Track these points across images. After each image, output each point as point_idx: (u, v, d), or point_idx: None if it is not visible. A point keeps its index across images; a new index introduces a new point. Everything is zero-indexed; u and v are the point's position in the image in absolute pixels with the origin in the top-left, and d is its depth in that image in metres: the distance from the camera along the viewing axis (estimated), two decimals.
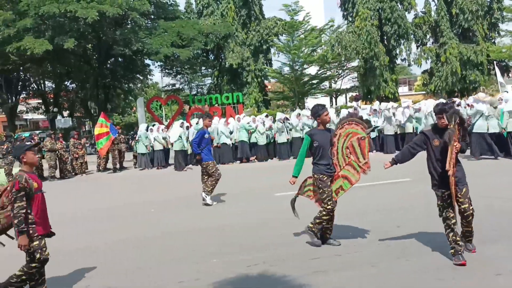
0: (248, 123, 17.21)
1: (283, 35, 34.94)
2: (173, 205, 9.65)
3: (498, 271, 4.66)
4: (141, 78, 38.08)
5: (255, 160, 17.00)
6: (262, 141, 16.94)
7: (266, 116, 18.69)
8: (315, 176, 5.86)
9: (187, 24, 30.35)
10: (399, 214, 7.27)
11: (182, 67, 36.84)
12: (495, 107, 12.55)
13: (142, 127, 18.07)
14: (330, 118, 6.15)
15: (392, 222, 6.80)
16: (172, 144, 16.93)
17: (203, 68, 39.29)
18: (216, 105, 28.16)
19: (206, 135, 9.17)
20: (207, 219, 8.05)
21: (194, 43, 30.18)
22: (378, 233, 6.22)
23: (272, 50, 37.14)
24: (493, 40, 34.18)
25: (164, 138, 17.27)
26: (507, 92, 16.85)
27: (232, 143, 17.20)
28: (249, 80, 34.93)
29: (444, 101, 14.10)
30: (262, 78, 37.15)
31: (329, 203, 5.71)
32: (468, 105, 14.50)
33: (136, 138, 17.88)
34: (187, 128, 17.18)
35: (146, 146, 17.13)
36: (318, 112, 5.87)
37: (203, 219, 8.12)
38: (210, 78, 40.15)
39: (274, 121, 17.66)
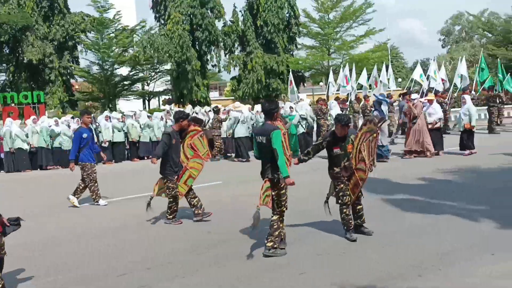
0: (50, 126, 15.58)
1: (92, 32, 32.82)
2: None
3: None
4: None
5: (59, 167, 15.39)
6: (67, 145, 15.43)
7: (72, 117, 17.25)
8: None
9: None
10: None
11: None
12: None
13: None
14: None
15: (204, 227, 6.81)
16: None
17: None
18: (13, 104, 24.85)
19: (85, 135, 8.64)
20: None
21: None
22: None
23: (79, 47, 34.61)
24: (291, 52, 37.88)
25: None
26: (302, 100, 18.78)
27: (29, 149, 15.28)
28: (53, 78, 31.90)
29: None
30: (68, 76, 34.37)
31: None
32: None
33: None
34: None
35: None
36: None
37: None
38: (4, 74, 35.42)
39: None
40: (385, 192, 8.62)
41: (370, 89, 21.86)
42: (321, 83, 47.25)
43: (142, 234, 6.87)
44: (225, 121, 15.20)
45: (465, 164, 11.41)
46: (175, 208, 7.28)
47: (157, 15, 36.37)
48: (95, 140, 15.65)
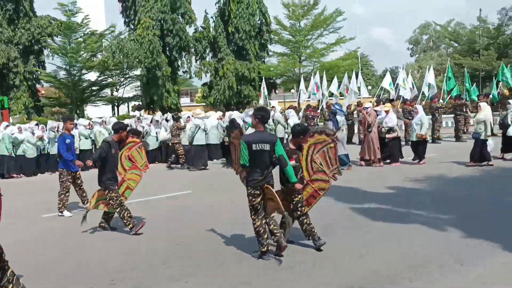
0: (13, 133, 15.02)
1: (59, 36, 32.02)
2: None
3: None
4: None
5: (22, 175, 14.90)
6: (31, 153, 14.94)
7: (36, 124, 16.70)
8: None
9: None
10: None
11: None
12: None
13: None
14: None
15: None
16: None
17: None
18: None
19: (68, 140, 8.62)
20: None
21: None
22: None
23: (46, 52, 33.70)
24: (263, 59, 37.94)
25: None
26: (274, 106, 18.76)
27: None
28: (17, 83, 30.92)
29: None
30: (34, 81, 33.39)
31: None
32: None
33: None
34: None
35: None
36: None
37: None
38: None
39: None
40: (354, 201, 8.61)
41: (341, 96, 22.03)
42: (292, 90, 47.51)
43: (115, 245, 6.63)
44: (184, 128, 14.95)
45: (432, 173, 11.56)
46: (129, 214, 7.06)
47: (126, 20, 35.84)
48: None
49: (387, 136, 12.98)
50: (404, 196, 9.20)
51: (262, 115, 5.71)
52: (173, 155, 14.97)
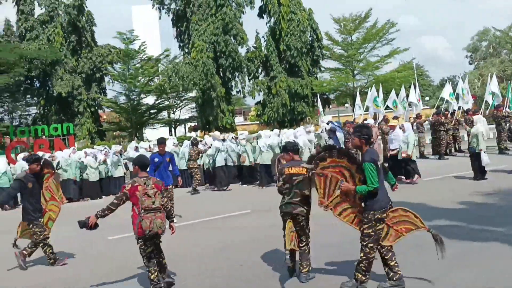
0: (80, 158, 15.68)
1: (118, 63, 33.56)
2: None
3: None
4: None
5: (87, 199, 15.46)
6: (94, 177, 15.48)
7: (104, 149, 17.32)
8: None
9: (5, 47, 27.12)
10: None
11: (0, 95, 32.73)
12: (251, 143, 15.10)
13: None
14: None
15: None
16: None
17: (27, 96, 35.54)
18: (44, 137, 25.41)
19: (156, 159, 9.59)
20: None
21: (15, 68, 27.07)
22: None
23: (106, 79, 35.36)
24: (315, 75, 37.75)
25: None
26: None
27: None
28: (81, 110, 32.58)
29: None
30: (96, 107, 35.05)
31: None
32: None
33: None
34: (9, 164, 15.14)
35: None
36: None
37: None
38: (35, 107, 36.43)
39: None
40: (423, 218, 8.20)
41: (409, 107, 21.42)
42: (346, 105, 46.94)
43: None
44: (203, 152, 15.18)
45: (502, 186, 10.86)
46: (50, 250, 7.21)
47: (181, 44, 36.97)
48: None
49: (402, 155, 12.53)
50: (475, 211, 8.68)
51: (367, 133, 5.09)
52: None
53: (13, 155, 20.39)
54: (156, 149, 16.48)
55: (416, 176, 12.59)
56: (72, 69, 32.78)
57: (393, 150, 12.76)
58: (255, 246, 7.30)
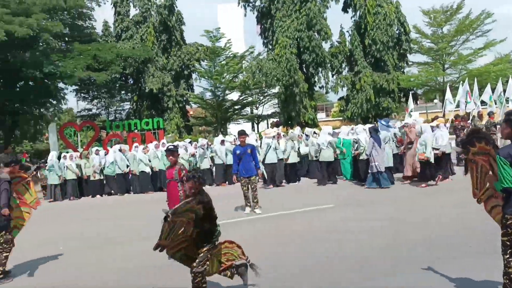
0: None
1: (205, 60, 34.84)
2: (89, 243, 8.78)
3: None
4: (54, 102, 35.85)
5: None
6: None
7: (190, 142, 18.15)
8: None
9: (104, 47, 29.17)
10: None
11: (98, 91, 35.30)
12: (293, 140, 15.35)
13: (52, 155, 16.57)
14: None
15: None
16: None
17: (122, 92, 37.98)
18: (136, 131, 27.07)
19: (238, 152, 10.03)
20: (127, 260, 7.36)
21: (111, 66, 29.04)
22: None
23: (194, 76, 36.89)
24: (402, 70, 36.42)
25: (78, 166, 16.12)
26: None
27: (151, 172, 16.32)
28: (170, 105, 34.26)
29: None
30: (184, 103, 36.62)
31: None
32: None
33: (46, 168, 16.42)
34: (105, 154, 16.29)
35: (59, 176, 15.82)
36: None
37: (126, 259, 7.42)
38: (129, 103, 38.89)
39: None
40: None
41: (496, 105, 19.97)
42: (435, 100, 44.74)
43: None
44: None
45: None
46: (5, 262, 6.51)
47: (265, 41, 37.46)
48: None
49: (435, 152, 11.87)
50: None
51: None
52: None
53: (109, 147, 21.94)
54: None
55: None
56: (163, 66, 34.50)
57: (436, 149, 12.16)
58: (338, 237, 7.28)
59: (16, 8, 23.85)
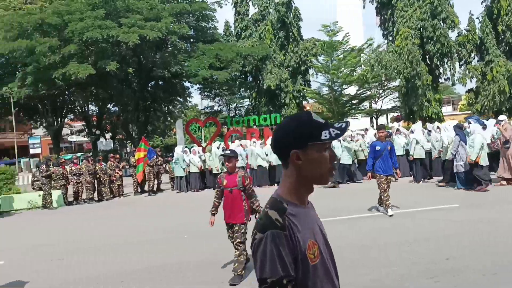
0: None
1: (322, 55, 34.60)
2: (208, 232, 9.31)
3: None
4: (181, 100, 38.62)
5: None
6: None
7: None
8: None
9: (225, 46, 30.61)
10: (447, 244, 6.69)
11: (220, 89, 37.09)
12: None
13: (178, 149, 17.98)
14: None
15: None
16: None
17: (241, 89, 39.42)
18: (254, 126, 27.98)
19: (378, 147, 9.26)
20: None
21: (232, 65, 30.34)
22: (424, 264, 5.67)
23: (311, 71, 36.85)
24: None
25: (203, 161, 17.15)
26: None
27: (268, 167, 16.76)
28: (287, 101, 34.70)
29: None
30: (301, 99, 36.82)
31: None
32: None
33: (173, 161, 17.83)
34: (223, 149, 17.12)
35: (184, 168, 17.03)
36: None
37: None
38: (248, 99, 40.24)
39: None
40: None
41: None
42: None
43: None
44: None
45: None
46: None
47: (384, 32, 36.05)
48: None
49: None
50: None
51: None
52: None
53: (229, 142, 22.95)
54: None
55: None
56: (280, 63, 35.07)
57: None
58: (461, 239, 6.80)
59: (148, 14, 26.07)
